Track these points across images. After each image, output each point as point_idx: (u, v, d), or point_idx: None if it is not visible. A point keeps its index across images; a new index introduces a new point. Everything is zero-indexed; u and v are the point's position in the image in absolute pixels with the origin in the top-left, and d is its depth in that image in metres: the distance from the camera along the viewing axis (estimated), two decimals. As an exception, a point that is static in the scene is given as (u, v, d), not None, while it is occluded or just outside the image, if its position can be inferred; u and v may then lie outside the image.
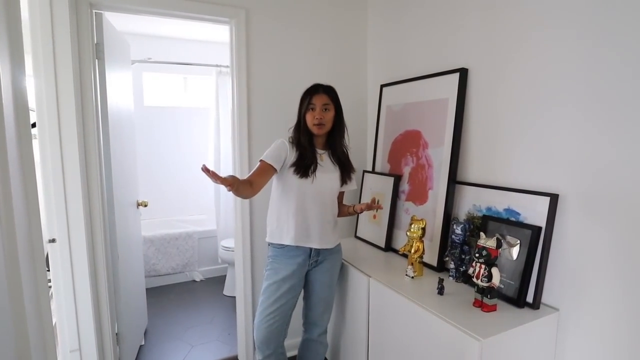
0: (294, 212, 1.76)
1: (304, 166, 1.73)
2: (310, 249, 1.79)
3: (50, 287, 1.87)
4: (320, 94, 1.76)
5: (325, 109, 1.76)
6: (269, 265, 1.82)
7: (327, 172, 1.80)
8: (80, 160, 1.87)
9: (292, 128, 1.82)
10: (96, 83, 1.96)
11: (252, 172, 1.70)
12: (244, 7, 2.16)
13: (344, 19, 2.47)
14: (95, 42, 1.96)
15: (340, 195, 1.96)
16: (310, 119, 1.75)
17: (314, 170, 1.74)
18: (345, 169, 1.86)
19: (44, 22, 1.76)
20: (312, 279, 1.86)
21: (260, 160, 1.72)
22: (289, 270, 1.77)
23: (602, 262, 1.31)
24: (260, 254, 2.34)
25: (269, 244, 1.84)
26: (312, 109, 1.75)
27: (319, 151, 1.82)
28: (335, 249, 1.89)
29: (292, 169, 1.73)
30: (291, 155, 1.75)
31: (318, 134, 1.78)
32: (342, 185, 1.88)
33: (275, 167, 1.71)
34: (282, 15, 2.28)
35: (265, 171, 1.70)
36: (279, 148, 1.75)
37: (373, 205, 1.77)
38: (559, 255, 1.42)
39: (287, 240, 1.77)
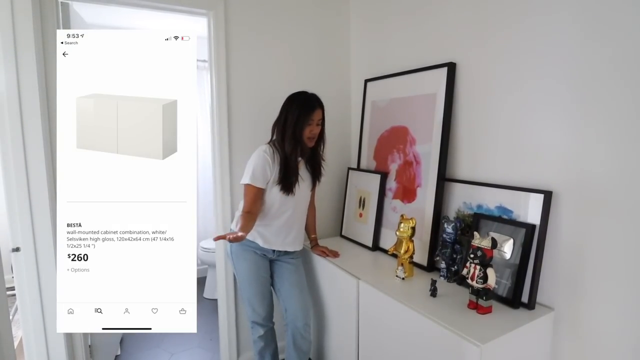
0: (272, 222, 1.84)
1: (289, 183, 1.79)
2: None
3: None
4: (317, 110, 1.81)
5: (318, 124, 1.83)
6: (234, 250, 1.90)
7: (304, 180, 1.88)
8: (46, 160, 1.73)
9: (284, 137, 1.79)
10: (63, 78, 1.82)
11: (249, 200, 1.76)
12: (222, -2, 2.05)
13: (327, 11, 2.38)
14: (61, 33, 1.81)
15: (313, 192, 2.04)
16: (307, 133, 1.78)
17: (296, 183, 1.82)
18: (317, 172, 1.94)
19: (3, 12, 1.61)
20: (278, 267, 1.94)
21: (248, 185, 1.76)
22: (255, 256, 1.88)
23: (596, 260, 1.29)
24: (243, 256, 2.25)
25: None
26: (310, 125, 1.78)
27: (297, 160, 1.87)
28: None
29: (278, 187, 1.79)
30: (274, 170, 1.79)
31: (309, 147, 1.83)
32: (314, 187, 1.98)
33: (264, 188, 1.80)
34: (262, 7, 2.17)
35: (259, 196, 1.79)
36: (263, 167, 1.77)
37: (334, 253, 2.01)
38: (553, 254, 1.40)
39: (258, 241, 1.85)
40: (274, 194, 1.81)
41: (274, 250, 1.89)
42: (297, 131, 1.77)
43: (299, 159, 1.85)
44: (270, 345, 1.99)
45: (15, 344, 2.46)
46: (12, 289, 1.79)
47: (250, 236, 1.85)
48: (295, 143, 1.78)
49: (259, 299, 1.89)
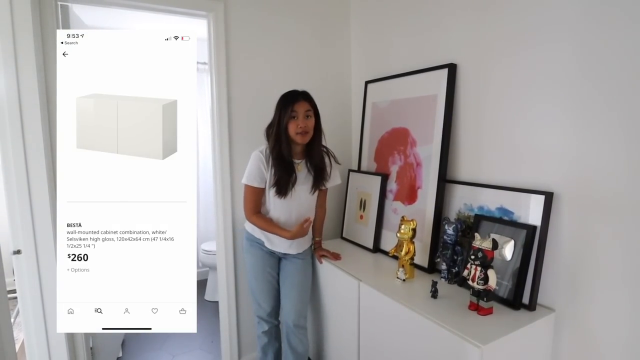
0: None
1: (284, 185, 1.74)
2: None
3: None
4: (301, 102, 1.73)
5: (307, 116, 1.74)
6: (244, 245, 1.95)
7: (303, 183, 1.83)
8: (47, 163, 1.73)
9: (270, 138, 1.77)
10: (64, 80, 1.83)
11: (248, 200, 1.79)
12: (222, 0, 2.06)
13: (327, 12, 2.39)
14: (62, 36, 1.82)
15: (322, 194, 1.98)
16: (293, 128, 1.72)
17: (293, 186, 1.78)
18: (320, 175, 1.85)
19: (2, 14, 1.61)
20: (284, 265, 1.93)
21: (246, 185, 1.78)
22: (261, 252, 1.90)
23: (597, 261, 1.28)
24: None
25: (245, 229, 1.95)
26: (295, 118, 1.72)
27: (296, 161, 1.81)
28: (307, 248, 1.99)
29: (273, 190, 1.77)
30: (268, 172, 1.76)
31: (303, 143, 1.76)
32: (315, 191, 1.88)
33: (262, 187, 1.79)
34: (262, 9, 2.18)
35: (258, 196, 1.81)
36: (257, 166, 1.76)
37: (336, 256, 1.99)
38: (554, 255, 1.39)
39: (264, 240, 1.88)
40: (271, 198, 1.80)
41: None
42: (282, 127, 1.71)
43: (297, 161, 1.82)
44: (274, 344, 2.00)
45: (17, 346, 2.46)
46: (14, 291, 1.79)
47: (256, 234, 1.88)
48: (281, 140, 1.72)
49: (264, 295, 1.91)
